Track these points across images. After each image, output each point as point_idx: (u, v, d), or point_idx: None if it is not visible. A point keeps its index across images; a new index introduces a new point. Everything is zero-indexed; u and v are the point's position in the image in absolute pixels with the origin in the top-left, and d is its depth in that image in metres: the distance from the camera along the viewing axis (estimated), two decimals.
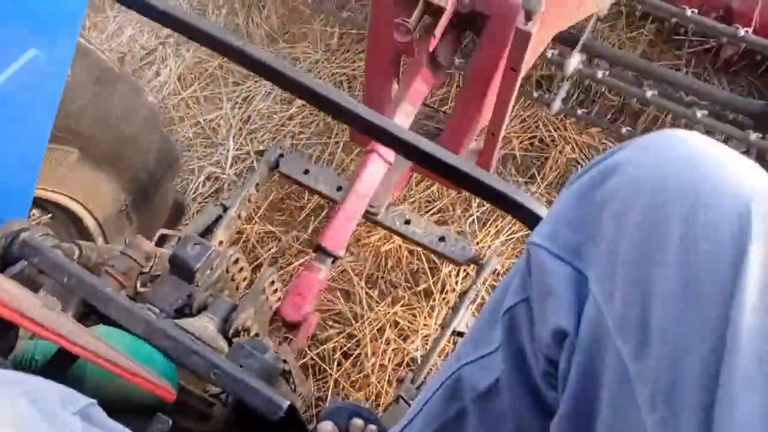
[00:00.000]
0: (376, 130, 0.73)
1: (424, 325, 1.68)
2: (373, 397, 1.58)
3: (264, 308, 1.00)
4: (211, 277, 0.94)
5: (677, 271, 0.45)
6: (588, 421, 0.50)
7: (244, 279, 1.01)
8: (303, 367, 1.62)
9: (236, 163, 2.00)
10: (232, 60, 0.84)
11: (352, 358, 1.64)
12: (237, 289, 1.00)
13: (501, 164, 1.98)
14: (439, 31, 1.18)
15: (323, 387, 1.60)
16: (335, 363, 1.63)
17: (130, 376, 0.65)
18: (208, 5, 2.35)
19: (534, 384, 0.59)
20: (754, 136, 1.62)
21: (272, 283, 1.00)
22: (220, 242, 1.34)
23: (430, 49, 1.24)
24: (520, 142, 2.00)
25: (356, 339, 1.65)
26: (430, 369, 1.25)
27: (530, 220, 0.65)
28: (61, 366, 0.66)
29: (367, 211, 1.38)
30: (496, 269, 1.39)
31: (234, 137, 2.05)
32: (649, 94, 1.71)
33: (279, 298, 1.02)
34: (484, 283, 1.40)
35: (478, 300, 1.44)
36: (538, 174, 1.97)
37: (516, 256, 1.81)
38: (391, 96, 1.46)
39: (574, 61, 1.72)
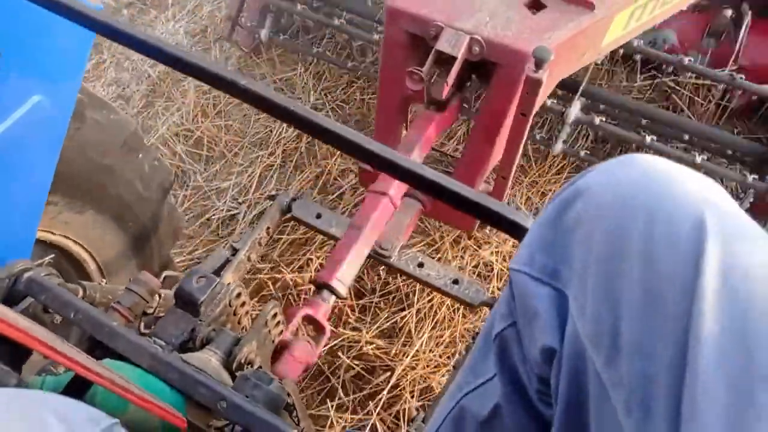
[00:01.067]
0: (382, 161, 0.76)
1: (496, 238, 1.86)
2: None
3: (267, 341, 1.00)
4: (214, 311, 0.95)
5: (640, 284, 0.48)
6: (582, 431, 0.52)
7: (247, 313, 1.02)
8: (389, 270, 1.75)
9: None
10: (245, 102, 0.86)
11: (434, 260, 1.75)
12: (239, 322, 1.01)
13: None
14: (451, 78, 1.20)
15: (412, 284, 1.75)
16: None
17: (144, 403, 0.66)
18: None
19: (531, 404, 0.61)
20: (751, 178, 1.70)
21: (275, 316, 1.01)
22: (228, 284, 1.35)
23: (442, 96, 1.25)
24: None
25: (435, 247, 1.82)
26: None
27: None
28: (75, 394, 0.67)
29: (379, 254, 1.40)
30: None
31: (310, 92, 2.32)
32: (648, 139, 1.78)
33: (281, 331, 1.03)
34: None
35: None
36: None
37: None
38: (400, 140, 1.49)
39: (575, 109, 1.79)
